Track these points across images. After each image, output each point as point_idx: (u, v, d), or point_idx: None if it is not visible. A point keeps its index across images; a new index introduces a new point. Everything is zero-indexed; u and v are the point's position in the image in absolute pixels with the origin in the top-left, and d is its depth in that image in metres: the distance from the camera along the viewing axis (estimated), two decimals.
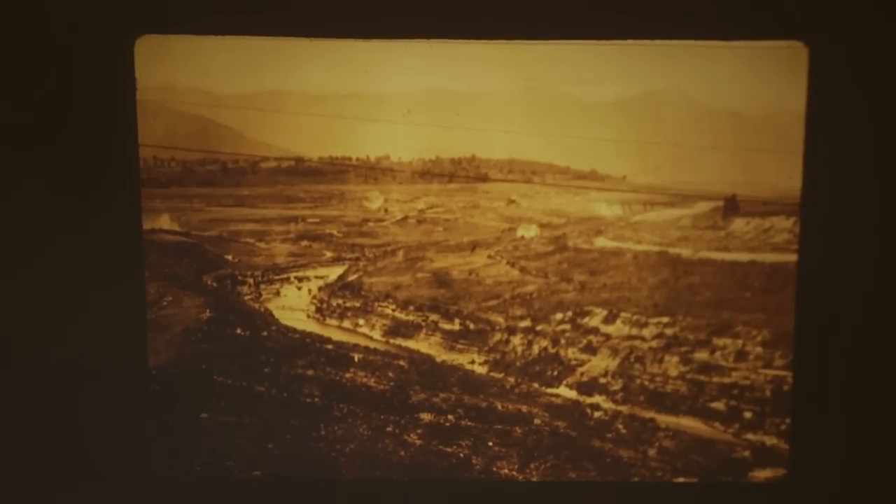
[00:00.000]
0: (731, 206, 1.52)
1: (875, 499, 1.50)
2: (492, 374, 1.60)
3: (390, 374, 1.60)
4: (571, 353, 1.58)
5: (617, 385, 1.57)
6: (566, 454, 1.55)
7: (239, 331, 1.58)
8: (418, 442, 1.56)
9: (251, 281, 1.59)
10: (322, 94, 1.48)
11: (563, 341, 1.58)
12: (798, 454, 1.49)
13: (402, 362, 1.62)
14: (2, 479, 1.49)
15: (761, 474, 1.52)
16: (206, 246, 1.60)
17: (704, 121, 1.46)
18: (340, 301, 1.67)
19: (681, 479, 1.53)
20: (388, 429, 1.56)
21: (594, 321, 1.58)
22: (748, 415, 1.52)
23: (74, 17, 1.35)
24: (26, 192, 1.40)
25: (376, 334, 1.66)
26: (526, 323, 1.59)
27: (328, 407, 1.56)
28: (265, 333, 1.60)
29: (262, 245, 1.60)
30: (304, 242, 1.64)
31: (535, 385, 1.59)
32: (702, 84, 1.43)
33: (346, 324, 1.67)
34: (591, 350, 1.58)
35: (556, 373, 1.59)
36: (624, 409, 1.56)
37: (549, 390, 1.59)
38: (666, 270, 1.54)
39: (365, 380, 1.59)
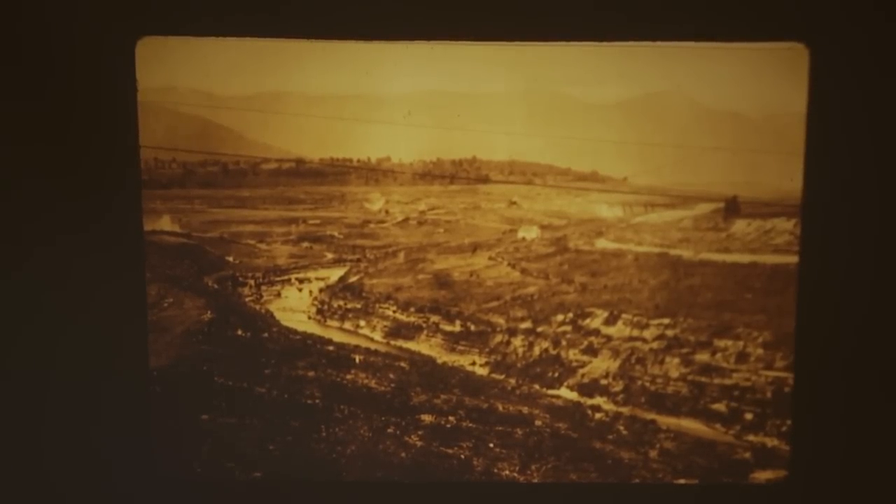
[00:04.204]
0: (732, 208, 1.52)
1: (875, 499, 1.50)
2: (493, 375, 1.60)
3: (391, 376, 1.60)
4: (572, 355, 1.58)
5: (618, 386, 1.57)
6: (567, 455, 1.55)
7: (240, 332, 1.58)
8: (419, 443, 1.56)
9: (252, 282, 1.59)
10: (323, 95, 1.48)
11: (563, 343, 1.58)
12: (799, 455, 1.49)
13: (402, 364, 1.62)
14: (3, 479, 1.50)
15: (762, 475, 1.52)
16: (206, 247, 1.59)
17: (705, 122, 1.46)
18: (341, 302, 1.67)
19: (682, 481, 1.53)
20: (389, 430, 1.56)
21: (595, 323, 1.58)
22: (749, 416, 1.52)
23: (76, 20, 1.35)
24: (27, 193, 1.40)
25: (377, 336, 1.66)
26: (527, 324, 1.59)
27: (329, 408, 1.56)
28: (266, 335, 1.60)
29: (263, 246, 1.60)
30: (305, 244, 1.64)
31: (536, 386, 1.59)
32: (703, 85, 1.43)
33: (347, 325, 1.67)
34: (591, 351, 1.58)
35: (556, 374, 1.59)
36: (625, 410, 1.56)
37: (550, 392, 1.59)
38: (667, 272, 1.54)
39: (366, 381, 1.59)
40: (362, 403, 1.57)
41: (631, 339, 1.57)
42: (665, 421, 1.55)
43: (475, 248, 1.64)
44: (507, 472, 1.55)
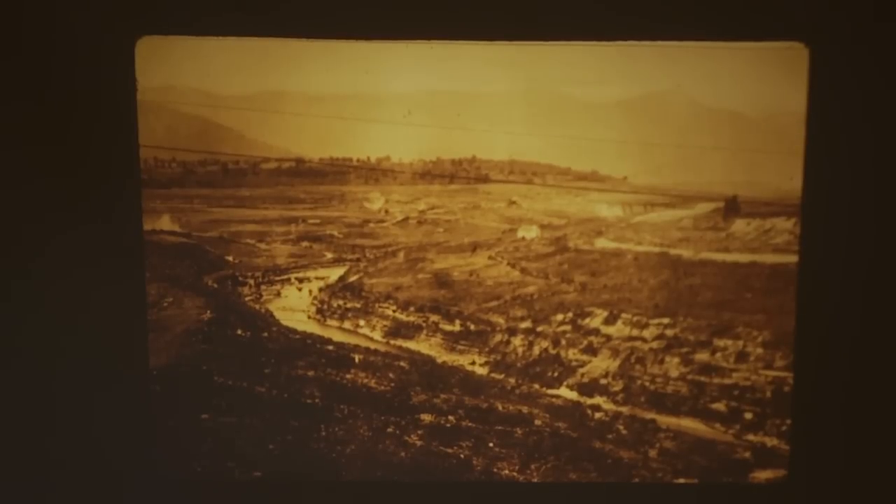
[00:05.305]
0: (732, 207, 1.52)
1: (875, 499, 1.50)
2: (492, 375, 1.60)
3: (391, 375, 1.60)
4: (572, 354, 1.58)
5: (618, 386, 1.57)
6: (567, 455, 1.55)
7: (240, 332, 1.58)
8: (419, 443, 1.56)
9: (252, 282, 1.59)
10: (322, 94, 1.48)
11: (563, 342, 1.58)
12: (798, 455, 1.49)
13: (402, 363, 1.62)
14: (3, 478, 1.50)
15: (762, 475, 1.52)
16: (206, 247, 1.59)
17: (705, 122, 1.46)
18: (341, 302, 1.67)
19: (681, 480, 1.53)
20: (389, 430, 1.56)
21: (595, 322, 1.58)
22: (749, 416, 1.52)
23: (75, 19, 1.35)
24: (27, 193, 1.40)
25: (377, 335, 1.66)
26: (526, 324, 1.59)
27: (329, 408, 1.56)
28: (266, 334, 1.60)
29: (263, 246, 1.60)
30: (305, 243, 1.64)
31: (536, 386, 1.59)
32: (703, 85, 1.43)
33: (347, 325, 1.67)
34: (591, 351, 1.58)
35: (556, 374, 1.59)
36: (625, 409, 1.56)
37: (550, 391, 1.59)
38: (667, 271, 1.54)
39: (366, 381, 1.59)
40: (362, 403, 1.57)
41: (631, 338, 1.57)
42: (665, 420, 1.55)
43: (475, 247, 1.64)
44: (506, 472, 1.55)
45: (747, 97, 1.44)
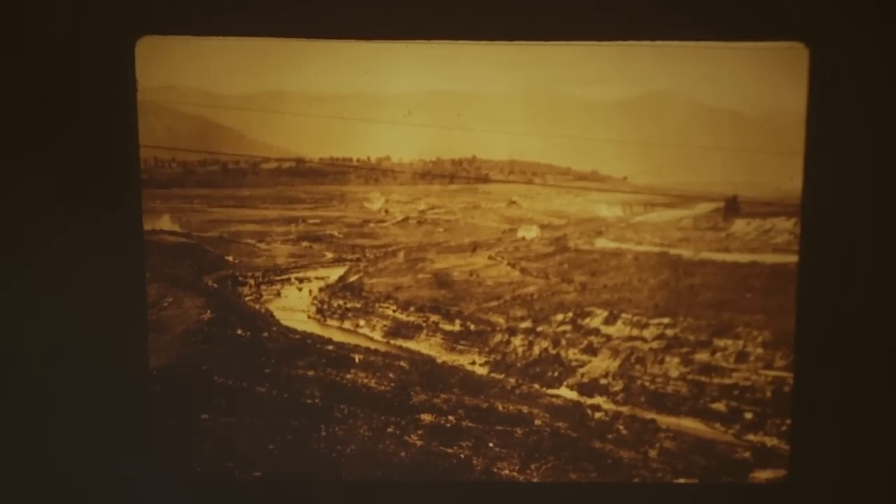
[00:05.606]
0: (732, 207, 1.52)
1: (875, 499, 1.50)
2: (492, 374, 1.60)
3: (391, 375, 1.60)
4: (572, 354, 1.58)
5: (618, 386, 1.57)
6: (567, 455, 1.55)
7: (240, 332, 1.58)
8: (419, 443, 1.56)
9: (252, 282, 1.59)
10: (322, 94, 1.48)
11: (563, 342, 1.58)
12: (798, 455, 1.49)
13: (402, 363, 1.62)
14: (2, 478, 1.50)
15: (762, 475, 1.52)
16: (206, 247, 1.59)
17: (705, 122, 1.46)
18: (341, 302, 1.67)
19: (681, 480, 1.53)
20: (389, 429, 1.56)
21: (595, 322, 1.58)
22: (749, 416, 1.52)
23: (76, 19, 1.35)
24: (27, 193, 1.40)
25: (377, 335, 1.66)
26: (527, 324, 1.59)
27: (329, 408, 1.56)
28: (266, 334, 1.60)
29: (263, 246, 1.60)
30: (305, 243, 1.64)
31: (536, 386, 1.59)
32: (703, 85, 1.43)
33: (347, 325, 1.67)
34: (591, 351, 1.58)
35: (556, 374, 1.59)
36: (625, 409, 1.56)
37: (550, 391, 1.59)
38: (667, 271, 1.54)
39: (366, 381, 1.59)
40: (362, 403, 1.57)
41: (631, 338, 1.57)
42: (665, 420, 1.55)
43: (475, 247, 1.64)
44: (506, 472, 1.55)
45: (747, 97, 1.44)
